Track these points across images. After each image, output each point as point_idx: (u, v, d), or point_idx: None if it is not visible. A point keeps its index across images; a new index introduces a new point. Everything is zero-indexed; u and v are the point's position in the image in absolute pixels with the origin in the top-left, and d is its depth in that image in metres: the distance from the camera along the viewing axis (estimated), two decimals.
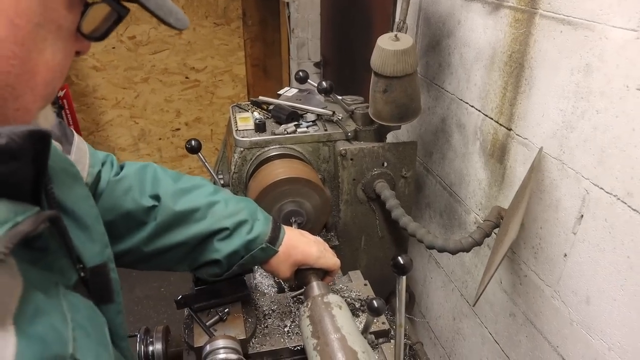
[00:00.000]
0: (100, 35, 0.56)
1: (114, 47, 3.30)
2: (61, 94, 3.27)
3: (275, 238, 0.99)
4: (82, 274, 0.62)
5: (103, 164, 0.93)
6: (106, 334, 0.61)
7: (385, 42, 1.28)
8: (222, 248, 0.95)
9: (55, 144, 0.79)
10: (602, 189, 0.97)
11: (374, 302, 0.85)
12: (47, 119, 0.58)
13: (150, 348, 1.06)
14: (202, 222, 0.94)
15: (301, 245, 1.02)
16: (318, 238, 1.08)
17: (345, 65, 2.73)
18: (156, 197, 0.93)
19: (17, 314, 0.44)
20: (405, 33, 1.35)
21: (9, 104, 0.48)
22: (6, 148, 0.43)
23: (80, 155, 0.86)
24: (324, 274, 1.03)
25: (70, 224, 0.64)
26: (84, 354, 0.51)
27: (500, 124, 1.28)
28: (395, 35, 1.27)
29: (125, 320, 0.72)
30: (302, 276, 1.01)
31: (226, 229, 0.95)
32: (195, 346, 0.99)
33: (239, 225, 0.96)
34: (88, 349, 0.52)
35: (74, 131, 0.86)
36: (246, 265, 0.99)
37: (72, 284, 0.60)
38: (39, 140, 0.48)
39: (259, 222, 0.98)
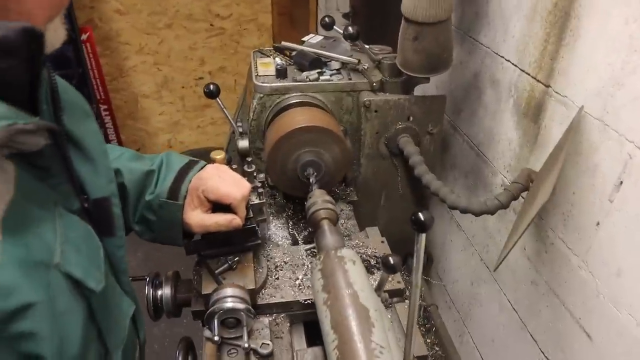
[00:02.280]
0: None
1: None
2: (84, 37, 3.23)
3: (176, 189, 0.94)
4: (85, 205, 0.65)
5: None
6: (100, 257, 0.63)
7: None
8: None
9: None
10: None
11: (390, 259, 0.80)
12: (56, 34, 0.56)
13: (159, 292, 1.04)
14: None
15: (200, 184, 0.95)
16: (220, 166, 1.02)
17: (376, 17, 2.61)
18: None
19: (4, 217, 0.47)
20: None
21: (11, 5, 0.47)
22: (2, 42, 0.44)
23: None
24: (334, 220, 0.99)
25: (77, 154, 0.65)
26: (70, 266, 0.54)
27: (538, 80, 1.18)
28: None
29: (126, 255, 0.73)
30: (312, 221, 0.97)
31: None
32: (203, 293, 0.97)
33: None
34: (76, 263, 0.55)
35: None
36: (165, 230, 0.96)
37: (75, 210, 0.62)
38: (33, 39, 0.47)
39: (160, 179, 0.95)
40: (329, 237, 0.94)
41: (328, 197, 1.08)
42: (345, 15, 3.06)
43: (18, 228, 0.49)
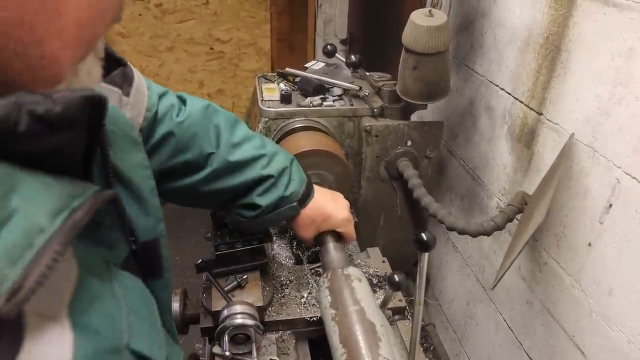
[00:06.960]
0: None
1: (140, 14, 3.29)
2: None
3: (304, 199, 1.03)
4: (133, 247, 0.58)
5: (161, 100, 0.94)
6: (157, 316, 0.55)
7: (418, 18, 1.25)
8: (259, 200, 1.01)
9: (114, 90, 0.78)
10: (635, 178, 0.94)
11: (395, 276, 0.84)
12: (90, 75, 0.46)
13: None
14: (249, 172, 1.00)
15: (331, 211, 1.05)
16: (347, 203, 1.12)
17: (373, 43, 2.69)
18: (216, 146, 0.98)
19: (71, 305, 0.38)
20: (440, 10, 1.32)
21: (30, 50, 0.37)
22: (62, 117, 0.37)
23: (139, 98, 0.85)
24: (339, 237, 1.07)
25: (126, 194, 0.58)
26: (138, 342, 0.45)
27: (531, 108, 1.25)
28: (429, 11, 1.24)
29: (170, 293, 0.70)
30: (319, 237, 1.05)
31: (271, 177, 1.00)
32: (212, 310, 1.00)
33: (281, 176, 1.01)
34: (142, 336, 0.47)
35: (133, 68, 0.85)
36: (270, 220, 1.03)
37: (122, 260, 0.54)
38: (96, 107, 0.42)
39: (294, 181, 1.02)
40: (333, 253, 0.99)
41: None
42: (343, 41, 3.15)
43: (87, 312, 0.40)
